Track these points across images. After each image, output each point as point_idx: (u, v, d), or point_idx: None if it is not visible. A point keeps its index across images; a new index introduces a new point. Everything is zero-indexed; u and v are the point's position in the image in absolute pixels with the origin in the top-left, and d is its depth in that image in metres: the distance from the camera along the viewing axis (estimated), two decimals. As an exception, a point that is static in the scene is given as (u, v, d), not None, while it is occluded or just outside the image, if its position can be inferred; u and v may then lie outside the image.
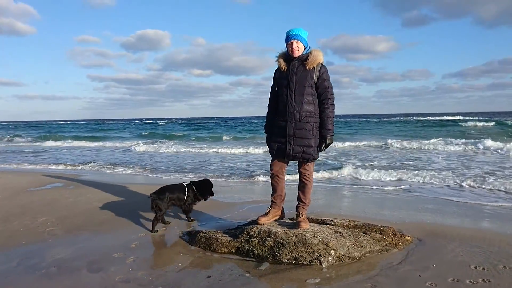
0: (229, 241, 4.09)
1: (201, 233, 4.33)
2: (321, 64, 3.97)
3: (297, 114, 3.92)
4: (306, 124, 3.94)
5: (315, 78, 3.93)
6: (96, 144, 24.14)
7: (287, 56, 4.05)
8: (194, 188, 5.09)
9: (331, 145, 4.15)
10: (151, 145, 19.97)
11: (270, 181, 4.26)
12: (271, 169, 4.20)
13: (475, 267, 3.45)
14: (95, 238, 4.56)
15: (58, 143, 25.44)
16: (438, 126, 33.03)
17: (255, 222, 4.59)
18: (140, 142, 22.79)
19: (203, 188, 5.14)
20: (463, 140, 16.67)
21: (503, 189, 7.20)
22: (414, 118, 61.57)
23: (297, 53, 3.96)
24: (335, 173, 9.31)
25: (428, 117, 56.03)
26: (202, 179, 5.36)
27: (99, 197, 6.75)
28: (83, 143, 24.67)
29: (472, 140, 16.32)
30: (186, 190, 4.98)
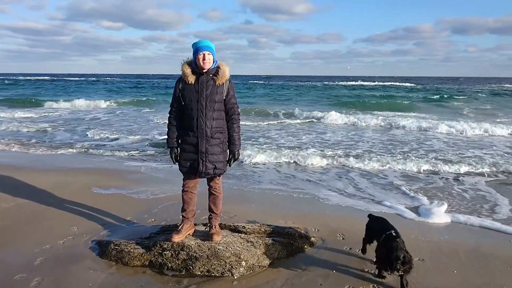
0: (142, 253, 4.08)
1: (112, 245, 4.24)
2: (229, 80, 4.05)
3: (208, 130, 3.95)
4: (216, 140, 4.00)
5: (224, 94, 3.99)
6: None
7: (193, 68, 3.98)
8: None
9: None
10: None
11: (181, 196, 4.24)
12: (184, 185, 4.19)
13: (368, 271, 3.90)
14: (-9, 255, 4.20)
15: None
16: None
17: (167, 229, 4.63)
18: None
19: None
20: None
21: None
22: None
23: (207, 65, 3.92)
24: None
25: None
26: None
27: (-7, 195, 6.11)
28: None
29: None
30: None
